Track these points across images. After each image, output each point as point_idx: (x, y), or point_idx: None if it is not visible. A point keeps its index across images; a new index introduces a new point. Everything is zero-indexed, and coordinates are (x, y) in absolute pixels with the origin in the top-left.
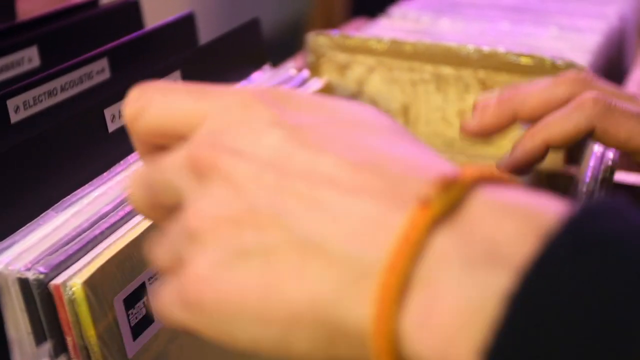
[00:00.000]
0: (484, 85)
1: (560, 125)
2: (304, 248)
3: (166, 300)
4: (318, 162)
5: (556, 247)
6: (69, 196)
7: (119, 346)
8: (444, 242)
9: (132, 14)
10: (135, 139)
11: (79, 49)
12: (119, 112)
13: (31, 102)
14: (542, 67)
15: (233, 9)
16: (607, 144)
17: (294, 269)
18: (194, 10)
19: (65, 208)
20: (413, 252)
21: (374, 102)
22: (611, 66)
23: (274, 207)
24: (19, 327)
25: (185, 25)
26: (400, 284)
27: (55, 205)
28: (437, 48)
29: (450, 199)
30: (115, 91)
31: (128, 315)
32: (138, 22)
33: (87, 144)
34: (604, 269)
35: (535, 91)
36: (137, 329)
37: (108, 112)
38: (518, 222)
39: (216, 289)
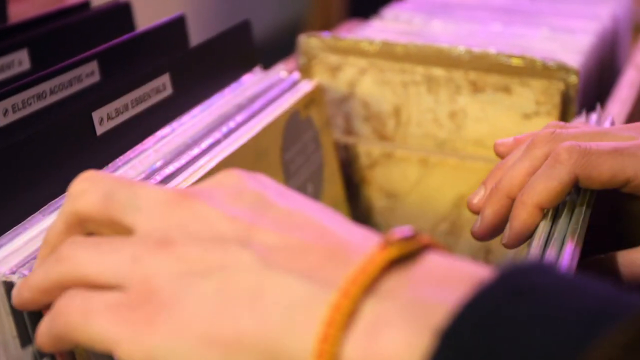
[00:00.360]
0: (475, 87)
1: (545, 185)
2: (263, 276)
3: (97, 309)
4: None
5: (484, 295)
6: (56, 199)
7: None
8: (394, 282)
9: (123, 16)
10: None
11: (70, 51)
12: (107, 115)
13: (20, 105)
14: (533, 68)
15: (229, 11)
16: (593, 187)
17: (251, 294)
18: (189, 12)
19: (52, 211)
20: (366, 284)
21: (365, 104)
22: (603, 67)
23: (243, 242)
24: (4, 330)
25: (176, 27)
26: (351, 308)
27: (43, 208)
28: (428, 49)
29: (406, 249)
30: (103, 94)
31: None
32: (130, 24)
33: (74, 147)
34: (523, 316)
35: (516, 167)
36: None
37: (96, 115)
38: (457, 277)
39: (172, 301)
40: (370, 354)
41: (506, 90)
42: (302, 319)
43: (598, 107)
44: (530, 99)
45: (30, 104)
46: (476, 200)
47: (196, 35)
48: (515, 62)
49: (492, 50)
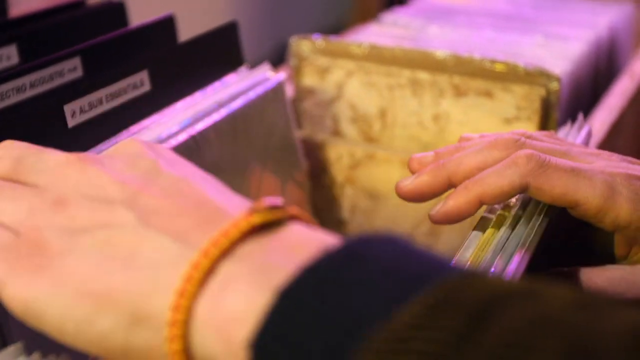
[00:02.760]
0: (458, 90)
1: (494, 182)
2: (140, 235)
3: None
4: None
5: (325, 259)
6: None
7: None
8: (252, 246)
9: (117, 15)
10: None
11: (59, 48)
12: (80, 108)
13: None
14: (516, 74)
15: (275, 16)
16: (542, 199)
17: (127, 252)
18: (237, 19)
19: None
20: (226, 246)
21: (352, 106)
22: (598, 75)
23: (129, 204)
24: None
25: (164, 26)
26: (208, 267)
27: None
28: (413, 53)
29: (270, 217)
30: (77, 87)
31: None
32: (123, 24)
33: (45, 138)
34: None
35: (469, 156)
36: None
37: (68, 108)
38: (309, 244)
39: (58, 255)
40: (217, 309)
41: (488, 94)
42: (167, 276)
43: (579, 116)
44: (511, 103)
45: (9, 96)
46: (418, 162)
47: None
48: (498, 67)
49: (476, 55)
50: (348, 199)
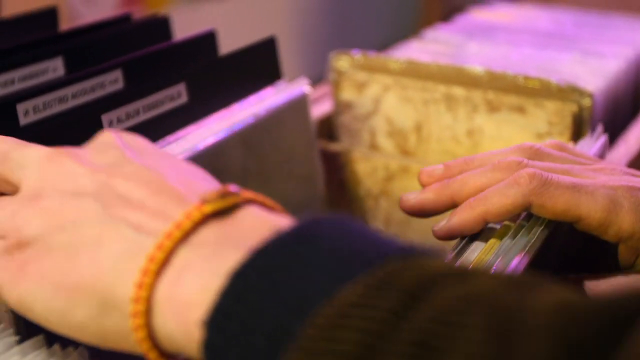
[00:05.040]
0: (491, 106)
1: (498, 200)
2: (105, 226)
3: None
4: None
5: (275, 241)
6: None
7: None
8: (207, 233)
9: (161, 29)
10: None
11: (104, 61)
12: (117, 118)
13: (41, 107)
14: (548, 90)
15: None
16: (545, 216)
17: (93, 244)
18: (298, 33)
19: None
20: (179, 237)
21: (388, 120)
22: (639, 92)
23: (96, 195)
24: None
25: (206, 41)
26: (163, 259)
27: None
28: (448, 69)
29: (223, 204)
30: (115, 98)
31: None
32: (167, 38)
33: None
34: (299, 258)
35: (473, 177)
36: None
37: (106, 118)
38: (263, 227)
39: (37, 251)
40: (174, 295)
41: (521, 110)
42: (128, 266)
43: (598, 127)
44: (543, 119)
45: (51, 106)
46: (427, 175)
47: (301, 54)
48: (531, 83)
49: (510, 71)
50: (383, 210)
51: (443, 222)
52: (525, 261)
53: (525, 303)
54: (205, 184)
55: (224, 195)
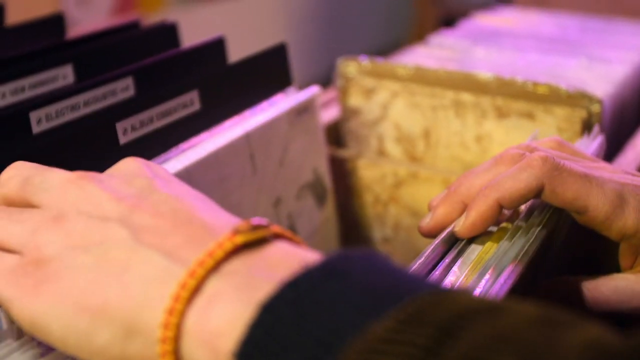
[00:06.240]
0: (500, 112)
1: (511, 185)
2: (133, 252)
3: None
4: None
5: (305, 275)
6: None
7: None
8: (237, 263)
9: (170, 36)
10: None
11: (113, 68)
12: (131, 126)
13: (53, 115)
14: (558, 96)
15: (335, 39)
16: (553, 203)
17: (120, 267)
18: (291, 41)
19: None
20: (211, 265)
21: (396, 126)
22: None
23: (123, 221)
24: None
25: (215, 48)
26: (195, 286)
27: None
28: (457, 75)
29: (254, 236)
30: (129, 106)
31: None
32: (175, 45)
33: (97, 155)
34: (332, 293)
35: (478, 176)
36: None
37: (120, 126)
38: (291, 260)
39: (57, 271)
40: (204, 324)
41: (530, 116)
42: (157, 292)
43: (595, 127)
44: (552, 125)
45: (64, 114)
46: (436, 201)
47: (297, 62)
48: (540, 89)
49: (518, 77)
50: (391, 216)
51: (461, 220)
52: (518, 271)
53: (555, 340)
54: (231, 217)
55: (255, 227)
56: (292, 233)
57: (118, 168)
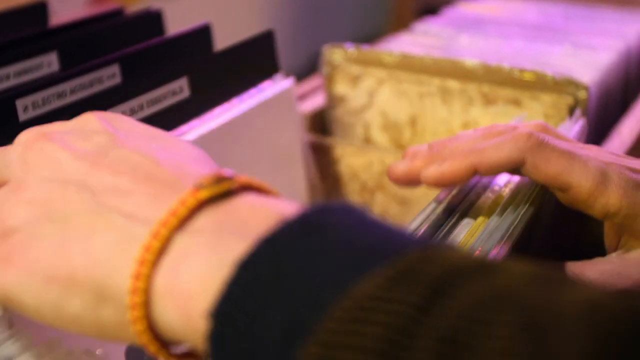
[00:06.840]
0: (486, 99)
1: (492, 153)
2: (96, 216)
3: None
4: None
5: (283, 229)
6: None
7: None
8: (204, 220)
9: (154, 24)
10: None
11: (98, 56)
12: (121, 113)
13: (40, 103)
14: (544, 83)
15: (312, 25)
16: (535, 178)
17: (84, 234)
18: (274, 27)
19: None
20: (175, 225)
21: (383, 113)
22: (629, 84)
23: (83, 183)
24: None
25: (201, 35)
26: (160, 248)
27: None
28: (443, 62)
29: (218, 190)
30: (118, 94)
31: None
32: (160, 32)
33: None
34: (314, 248)
35: (463, 141)
36: None
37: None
38: (264, 214)
39: (23, 242)
40: (173, 286)
41: (516, 103)
42: (122, 257)
43: (577, 111)
44: (539, 112)
45: (50, 102)
46: (414, 151)
47: (282, 49)
48: (527, 76)
49: (505, 64)
50: (378, 205)
51: (433, 167)
52: (507, 246)
53: (554, 298)
54: (198, 167)
55: (218, 180)
56: (260, 182)
57: (77, 123)
